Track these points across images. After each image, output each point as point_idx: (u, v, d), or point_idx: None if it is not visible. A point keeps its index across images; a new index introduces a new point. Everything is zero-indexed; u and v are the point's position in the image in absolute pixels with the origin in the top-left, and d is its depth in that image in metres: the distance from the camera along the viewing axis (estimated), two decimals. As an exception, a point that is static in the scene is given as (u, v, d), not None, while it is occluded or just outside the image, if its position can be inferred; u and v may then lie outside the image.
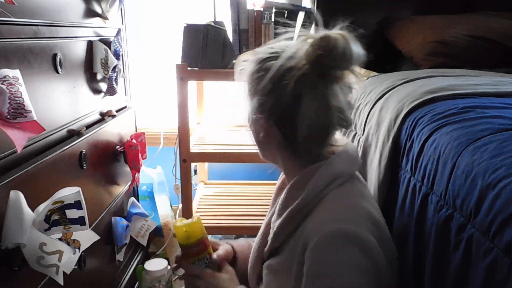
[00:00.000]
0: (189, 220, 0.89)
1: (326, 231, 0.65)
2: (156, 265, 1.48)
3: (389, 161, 0.86)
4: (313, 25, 1.50)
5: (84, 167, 1.08)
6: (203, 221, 1.56)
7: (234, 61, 1.42)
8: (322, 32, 0.68)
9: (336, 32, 0.67)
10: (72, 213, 0.84)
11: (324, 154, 0.75)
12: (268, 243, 0.79)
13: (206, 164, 2.02)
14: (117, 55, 1.32)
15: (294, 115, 0.69)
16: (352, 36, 0.67)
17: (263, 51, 0.75)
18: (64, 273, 0.82)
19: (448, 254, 0.62)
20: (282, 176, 0.91)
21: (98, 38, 1.25)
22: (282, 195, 0.78)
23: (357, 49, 0.67)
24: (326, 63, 0.66)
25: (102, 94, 1.30)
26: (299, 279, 0.67)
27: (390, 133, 0.88)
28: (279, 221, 0.75)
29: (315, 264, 0.65)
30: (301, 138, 0.70)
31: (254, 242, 0.87)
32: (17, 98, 0.72)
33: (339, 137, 0.80)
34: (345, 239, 0.64)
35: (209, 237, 2.00)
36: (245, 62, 0.78)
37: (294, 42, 0.72)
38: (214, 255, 0.89)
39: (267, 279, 0.78)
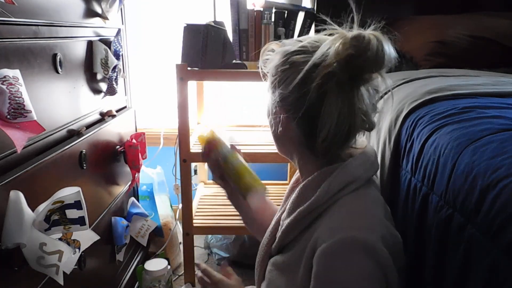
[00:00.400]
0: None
1: (337, 238, 0.62)
2: (156, 265, 1.48)
3: (391, 162, 0.86)
4: (313, 26, 1.50)
5: (84, 167, 1.08)
6: (203, 221, 1.58)
7: (234, 61, 1.42)
8: (356, 31, 0.65)
9: (370, 32, 0.64)
10: (72, 213, 0.84)
11: (342, 156, 0.73)
12: (276, 240, 0.78)
13: (206, 164, 2.02)
14: (117, 55, 1.32)
15: (316, 114, 0.66)
16: (386, 38, 0.64)
17: (291, 43, 0.72)
18: (64, 273, 0.82)
19: (448, 254, 0.62)
20: (296, 174, 0.88)
21: (98, 38, 1.25)
22: (294, 194, 0.76)
23: (390, 51, 0.64)
24: (356, 64, 0.63)
25: (102, 94, 1.30)
26: (306, 282, 0.66)
27: (392, 134, 0.88)
28: (288, 220, 0.74)
29: (324, 270, 0.63)
30: (321, 139, 0.67)
31: (263, 238, 0.85)
32: (17, 98, 0.72)
33: (359, 139, 0.77)
34: (357, 248, 0.62)
35: (209, 237, 1.99)
36: (271, 53, 0.75)
37: (327, 39, 0.67)
38: None
39: (270, 276, 0.77)
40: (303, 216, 0.71)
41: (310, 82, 0.66)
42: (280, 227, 0.78)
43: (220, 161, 0.88)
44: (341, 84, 0.65)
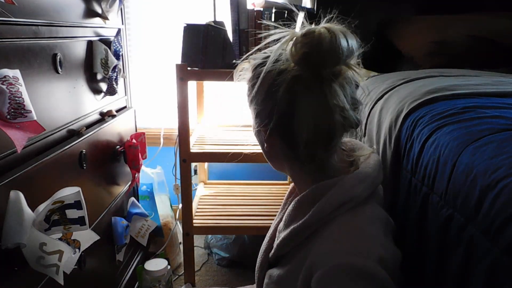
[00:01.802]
0: None
1: (333, 263, 0.60)
2: (156, 265, 1.48)
3: (392, 163, 0.86)
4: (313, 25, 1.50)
5: (84, 167, 1.08)
6: (203, 221, 1.58)
7: (234, 61, 1.42)
8: (305, 28, 0.62)
9: (321, 26, 0.62)
10: (72, 213, 0.85)
11: (337, 165, 0.70)
12: (273, 250, 0.76)
13: (206, 164, 2.02)
14: (117, 55, 1.32)
15: (290, 120, 0.64)
16: (340, 28, 0.61)
17: (258, 56, 0.71)
18: (64, 273, 0.82)
19: (448, 254, 0.61)
20: None
21: (98, 38, 1.25)
22: (290, 206, 0.73)
23: (346, 41, 0.61)
24: (314, 61, 0.61)
25: (102, 94, 1.30)
26: None
27: (392, 135, 0.88)
28: (283, 233, 0.72)
29: None
30: (302, 144, 0.64)
31: (263, 243, 0.85)
32: (17, 98, 0.72)
33: (358, 145, 0.75)
34: (352, 274, 0.59)
35: (209, 237, 2.00)
36: (243, 71, 0.74)
37: (279, 44, 0.66)
38: None
39: None
40: (297, 232, 0.69)
41: (277, 91, 0.64)
42: (276, 238, 0.76)
43: None
44: (308, 84, 0.62)
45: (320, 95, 0.62)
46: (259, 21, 1.47)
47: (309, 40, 0.60)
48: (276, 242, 0.75)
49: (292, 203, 0.73)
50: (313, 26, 0.63)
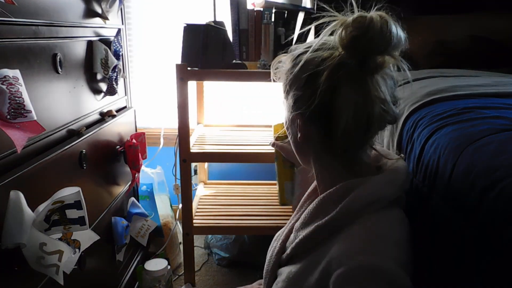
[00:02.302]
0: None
1: (352, 264, 0.59)
2: (156, 265, 1.48)
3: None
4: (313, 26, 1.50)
5: (84, 167, 1.08)
6: (203, 221, 1.58)
7: (234, 61, 1.43)
8: (356, 13, 0.62)
9: (372, 12, 0.61)
10: (72, 213, 0.85)
11: (366, 165, 0.69)
12: (288, 250, 0.74)
13: (206, 164, 2.02)
14: (117, 55, 1.32)
15: (330, 108, 0.63)
16: (391, 17, 0.61)
17: (299, 47, 0.70)
18: (64, 273, 0.82)
19: (448, 254, 0.62)
20: (314, 183, 0.82)
21: (98, 38, 1.25)
22: (311, 205, 0.71)
23: (396, 29, 0.60)
24: (362, 46, 0.60)
25: (102, 94, 1.30)
26: None
27: (394, 137, 0.88)
28: (304, 232, 0.70)
29: None
30: (339, 132, 0.63)
31: (270, 245, 0.83)
32: (17, 98, 0.72)
33: (388, 152, 0.74)
34: (374, 275, 0.58)
35: (209, 237, 2.00)
36: (281, 63, 0.73)
37: (324, 32, 0.65)
38: None
39: (279, 286, 0.73)
40: (321, 229, 0.67)
41: (320, 76, 0.63)
42: (294, 237, 0.74)
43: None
44: (352, 73, 0.61)
45: (363, 85, 0.62)
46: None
47: (360, 24, 0.60)
48: (295, 241, 0.72)
49: (315, 201, 0.71)
50: (363, 12, 0.63)
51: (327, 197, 0.69)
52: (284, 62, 0.72)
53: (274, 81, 0.76)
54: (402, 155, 0.85)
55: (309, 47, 0.67)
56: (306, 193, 0.84)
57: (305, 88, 0.66)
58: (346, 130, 0.63)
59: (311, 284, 0.65)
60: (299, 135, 0.70)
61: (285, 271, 0.73)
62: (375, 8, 0.63)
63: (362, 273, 0.58)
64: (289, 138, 0.76)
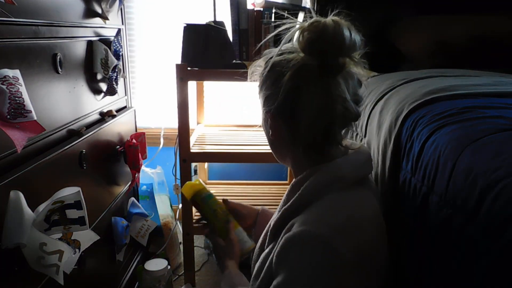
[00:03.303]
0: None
1: (297, 230, 0.65)
2: (156, 265, 1.48)
3: (392, 164, 0.86)
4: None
5: (84, 167, 1.08)
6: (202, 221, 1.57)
7: (234, 61, 1.42)
8: (313, 19, 0.68)
9: (328, 18, 0.67)
10: (72, 213, 0.85)
11: (333, 155, 0.73)
12: (267, 238, 0.79)
13: (206, 164, 2.02)
14: (117, 55, 1.32)
15: (294, 105, 0.69)
16: (345, 22, 0.66)
17: (271, 51, 0.76)
18: (64, 273, 0.82)
19: (448, 254, 0.62)
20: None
21: (98, 38, 1.25)
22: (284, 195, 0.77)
23: (350, 33, 0.65)
24: (318, 48, 0.66)
25: (102, 94, 1.30)
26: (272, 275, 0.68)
27: (392, 135, 0.88)
28: (275, 218, 0.76)
29: (279, 262, 0.66)
30: (303, 127, 0.69)
31: (258, 241, 0.87)
32: (17, 98, 0.72)
33: (353, 142, 0.78)
34: (314, 242, 0.63)
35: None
36: (258, 67, 0.79)
37: (287, 35, 0.71)
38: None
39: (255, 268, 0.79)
40: (286, 215, 0.72)
41: (283, 76, 0.68)
42: (268, 227, 0.80)
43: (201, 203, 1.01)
44: (313, 73, 0.67)
45: (324, 85, 0.67)
46: (264, 21, 1.47)
47: (315, 28, 0.66)
48: (269, 230, 0.78)
49: (287, 190, 0.76)
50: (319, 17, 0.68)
51: (294, 184, 0.74)
52: (259, 65, 0.78)
53: (251, 81, 0.82)
54: (374, 147, 0.93)
55: (280, 50, 0.73)
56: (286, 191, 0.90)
57: (273, 88, 0.72)
58: (309, 125, 0.69)
59: (269, 265, 0.70)
60: (270, 132, 0.77)
61: (261, 256, 0.78)
62: (332, 14, 0.68)
63: (302, 237, 0.64)
64: (266, 136, 0.82)
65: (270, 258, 0.72)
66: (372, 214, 0.71)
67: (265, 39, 0.83)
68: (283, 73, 0.69)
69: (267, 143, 0.83)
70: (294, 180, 0.75)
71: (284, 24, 0.72)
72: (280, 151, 0.81)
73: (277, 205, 0.92)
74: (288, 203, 0.72)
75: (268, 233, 0.78)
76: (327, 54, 0.66)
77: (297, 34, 0.69)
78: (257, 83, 0.79)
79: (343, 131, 0.74)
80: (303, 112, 0.68)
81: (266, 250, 0.77)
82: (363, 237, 0.66)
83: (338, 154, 0.74)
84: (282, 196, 0.94)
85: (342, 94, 0.67)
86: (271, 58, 0.73)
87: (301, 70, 0.67)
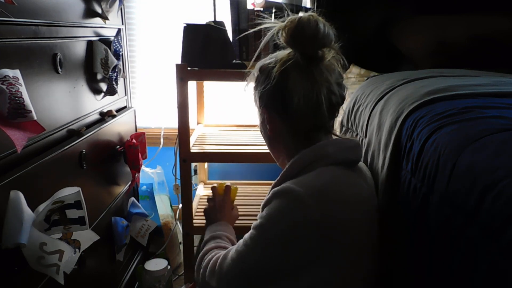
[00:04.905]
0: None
1: (280, 188, 0.74)
2: (156, 265, 1.48)
3: (391, 163, 0.86)
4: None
5: (84, 167, 1.08)
6: (203, 221, 1.57)
7: (234, 61, 1.42)
8: (289, 16, 0.77)
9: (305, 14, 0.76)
10: (72, 213, 0.85)
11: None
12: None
13: (206, 164, 2.02)
14: (117, 55, 1.32)
15: (285, 93, 0.77)
16: (318, 17, 0.75)
17: (264, 60, 0.85)
18: (64, 273, 0.82)
19: (448, 254, 0.62)
20: None
21: (98, 38, 1.25)
22: None
23: (324, 26, 0.74)
24: (297, 39, 0.75)
25: (102, 94, 1.30)
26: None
27: (392, 136, 0.88)
28: (266, 197, 0.80)
29: (262, 210, 0.76)
30: (295, 116, 0.77)
31: None
32: (17, 98, 0.72)
33: (344, 136, 0.85)
34: (289, 196, 0.71)
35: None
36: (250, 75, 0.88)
37: (266, 37, 0.81)
38: None
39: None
40: (274, 189, 0.77)
41: (273, 70, 0.78)
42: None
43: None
44: (298, 64, 0.76)
45: (309, 73, 0.76)
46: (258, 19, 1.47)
47: (294, 21, 0.75)
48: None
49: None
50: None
51: (285, 168, 0.82)
52: (252, 73, 0.87)
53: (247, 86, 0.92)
54: (365, 144, 1.00)
55: (269, 57, 0.83)
56: None
57: (265, 83, 0.80)
58: (299, 110, 0.77)
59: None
60: (268, 128, 0.83)
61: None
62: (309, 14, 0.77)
63: (281, 190, 0.73)
64: (264, 138, 0.90)
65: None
66: (357, 191, 0.78)
67: (263, 43, 0.88)
68: (272, 68, 0.78)
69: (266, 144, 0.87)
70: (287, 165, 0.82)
71: (264, 23, 0.80)
72: (277, 148, 0.87)
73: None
74: (276, 180, 0.81)
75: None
76: (306, 44, 0.75)
77: (280, 33, 0.77)
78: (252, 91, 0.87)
79: (332, 121, 0.83)
80: (292, 98, 0.76)
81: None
82: (339, 207, 0.73)
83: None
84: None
85: (326, 79, 0.76)
86: (262, 63, 0.83)
87: (287, 61, 0.76)
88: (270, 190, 0.79)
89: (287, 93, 0.77)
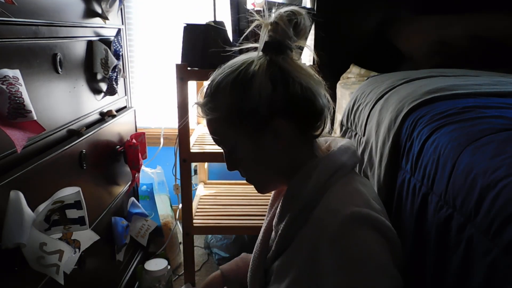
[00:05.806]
0: None
1: (339, 219, 0.62)
2: (156, 265, 1.48)
3: (389, 161, 0.86)
4: (313, 25, 1.50)
5: (84, 167, 1.08)
6: (203, 221, 1.58)
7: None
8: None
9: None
10: (72, 213, 0.85)
11: (320, 151, 0.76)
12: (273, 248, 0.75)
13: (206, 164, 2.02)
14: (117, 55, 1.32)
15: (285, 91, 0.69)
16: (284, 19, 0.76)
17: (211, 83, 0.84)
18: (64, 273, 0.82)
19: (448, 254, 0.62)
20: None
21: (98, 38, 1.25)
22: (282, 197, 0.74)
23: (304, 20, 0.76)
24: (280, 29, 0.74)
25: (102, 94, 1.30)
26: (312, 276, 0.64)
27: (390, 133, 0.88)
28: (283, 223, 0.72)
29: (340, 254, 0.61)
30: (304, 105, 0.70)
31: (253, 251, 0.83)
32: (17, 98, 0.72)
33: (329, 136, 0.81)
34: (362, 220, 0.62)
35: (209, 237, 1.99)
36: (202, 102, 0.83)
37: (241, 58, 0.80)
38: None
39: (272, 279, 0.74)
40: (298, 212, 0.69)
41: (254, 81, 0.71)
42: (274, 233, 0.76)
43: None
44: (275, 61, 0.72)
45: (294, 65, 0.71)
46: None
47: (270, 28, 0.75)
48: (278, 235, 0.73)
49: (285, 192, 0.74)
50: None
51: (294, 183, 0.72)
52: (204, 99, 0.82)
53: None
54: (363, 143, 0.96)
55: (225, 74, 0.79)
56: (273, 193, 0.90)
57: (250, 100, 0.70)
58: (306, 98, 0.69)
59: (301, 264, 0.67)
60: (277, 143, 0.71)
61: (273, 268, 0.75)
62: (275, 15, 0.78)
63: (346, 224, 0.62)
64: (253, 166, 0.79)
65: (290, 265, 0.70)
66: (376, 195, 0.74)
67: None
68: (251, 85, 0.69)
69: None
70: (292, 181, 0.72)
71: (255, 21, 0.80)
72: (274, 168, 0.76)
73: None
74: (299, 199, 0.69)
75: (276, 240, 0.74)
76: (282, 42, 0.73)
77: (262, 32, 0.76)
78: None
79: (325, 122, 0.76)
80: (296, 90, 0.69)
81: (277, 263, 0.74)
82: (383, 215, 0.67)
83: (325, 146, 0.78)
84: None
85: (310, 68, 0.73)
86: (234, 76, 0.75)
87: (269, 66, 0.70)
88: (289, 213, 0.71)
89: (288, 91, 0.69)
